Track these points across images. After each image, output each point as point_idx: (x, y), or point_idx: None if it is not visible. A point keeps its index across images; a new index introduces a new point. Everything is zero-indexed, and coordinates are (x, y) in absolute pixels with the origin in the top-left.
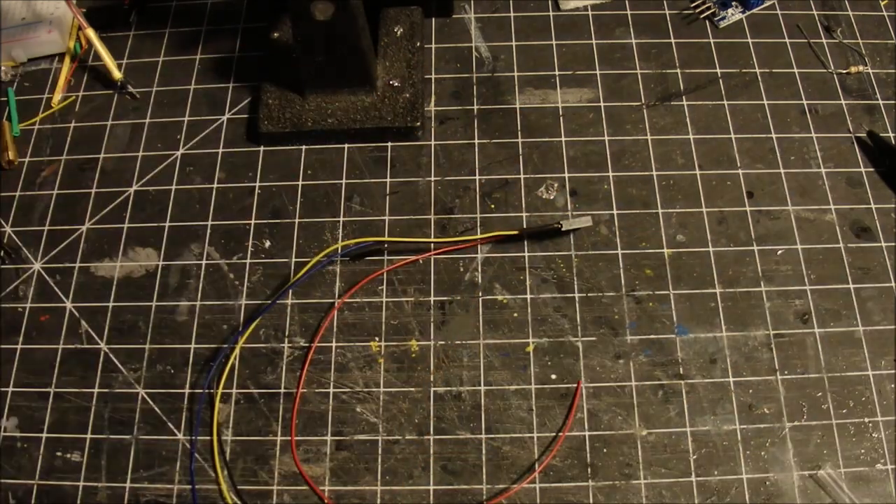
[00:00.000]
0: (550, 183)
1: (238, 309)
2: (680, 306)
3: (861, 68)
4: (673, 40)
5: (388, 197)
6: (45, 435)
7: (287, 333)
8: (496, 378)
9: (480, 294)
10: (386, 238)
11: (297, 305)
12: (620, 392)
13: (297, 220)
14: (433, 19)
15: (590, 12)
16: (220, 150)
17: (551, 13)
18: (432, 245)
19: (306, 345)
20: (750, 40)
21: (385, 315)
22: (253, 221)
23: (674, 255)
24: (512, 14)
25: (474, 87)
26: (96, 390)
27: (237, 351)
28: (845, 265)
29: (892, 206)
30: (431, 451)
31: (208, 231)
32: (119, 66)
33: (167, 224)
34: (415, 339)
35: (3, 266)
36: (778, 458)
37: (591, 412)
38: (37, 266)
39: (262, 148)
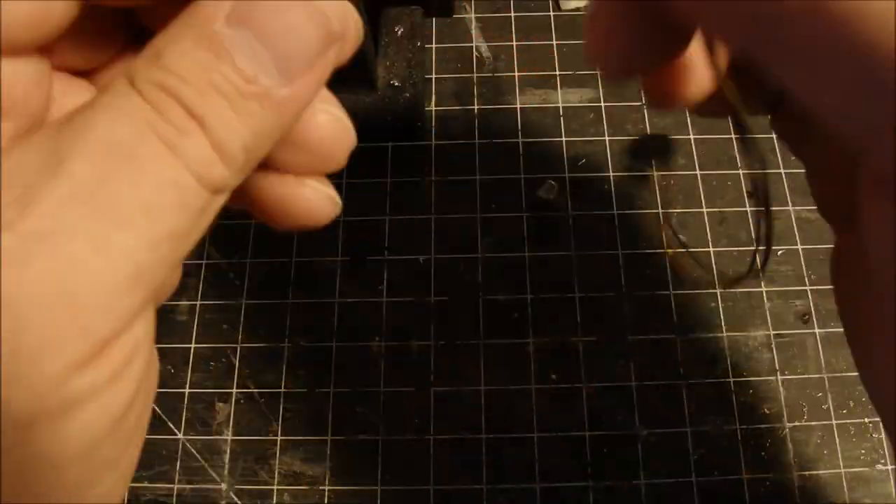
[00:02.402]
0: (551, 183)
1: (238, 308)
2: (680, 306)
3: None
4: None
5: (388, 197)
6: None
7: (287, 333)
8: (496, 378)
9: (480, 294)
10: None
11: (297, 305)
12: (620, 392)
13: None
14: (433, 19)
15: None
16: None
17: (552, 13)
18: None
19: (307, 344)
20: None
21: (385, 315)
22: (253, 221)
23: (674, 255)
24: (512, 14)
25: (475, 87)
26: None
27: (237, 350)
28: None
29: None
30: (431, 451)
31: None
32: None
33: None
34: (415, 339)
35: None
36: (778, 458)
37: (591, 412)
38: None
39: None
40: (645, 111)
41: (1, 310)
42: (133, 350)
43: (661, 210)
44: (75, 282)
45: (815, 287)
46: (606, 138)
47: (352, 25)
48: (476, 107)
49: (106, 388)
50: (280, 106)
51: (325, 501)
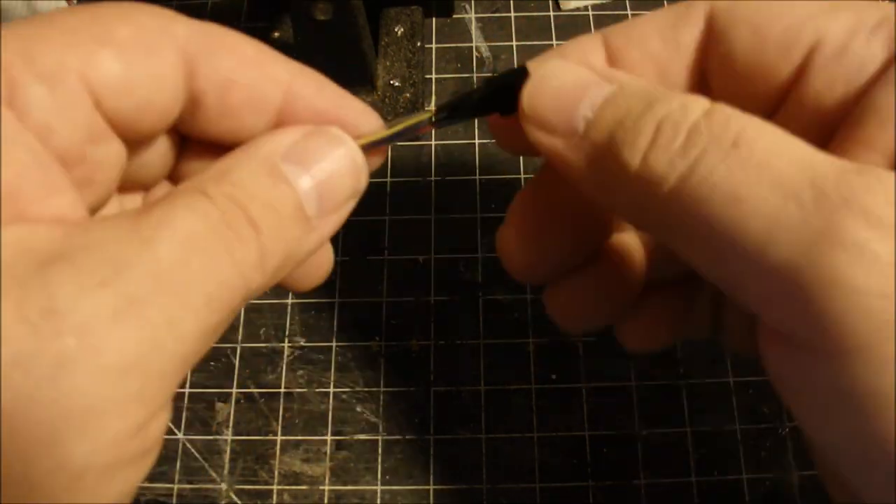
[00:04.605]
0: None
1: None
2: None
3: None
4: None
5: (388, 197)
6: None
7: (287, 333)
8: (496, 378)
9: (480, 294)
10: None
11: (297, 305)
12: (620, 392)
13: None
14: (433, 19)
15: (590, 12)
16: None
17: (552, 13)
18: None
19: (306, 344)
20: None
21: (385, 314)
22: None
23: None
24: (512, 14)
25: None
26: None
27: (237, 350)
28: None
29: None
30: (431, 451)
31: None
32: None
33: None
34: (415, 339)
35: None
36: (778, 459)
37: (591, 412)
38: None
39: None
40: None
41: (82, 369)
42: (167, 419)
43: None
44: (149, 352)
45: None
46: None
47: (364, 186)
48: None
49: (150, 453)
50: (312, 235)
51: (325, 501)
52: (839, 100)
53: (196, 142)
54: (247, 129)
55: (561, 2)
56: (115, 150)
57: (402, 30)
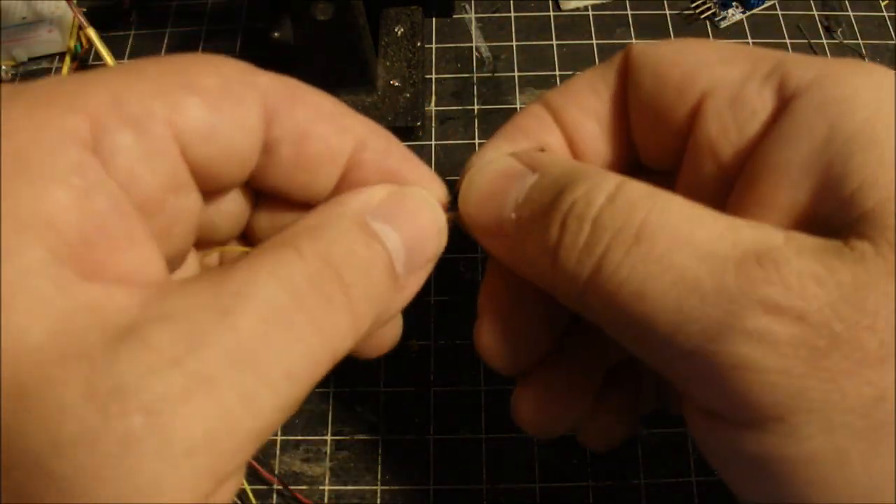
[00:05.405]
0: None
1: None
2: None
3: None
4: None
5: None
6: None
7: None
8: (496, 378)
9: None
10: None
11: None
12: None
13: None
14: (433, 19)
15: (590, 12)
16: None
17: (552, 13)
18: None
19: None
20: (751, 40)
21: None
22: None
23: None
24: (512, 14)
25: (475, 87)
26: None
27: None
28: None
29: None
30: (431, 451)
31: None
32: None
33: None
34: (415, 339)
35: None
36: None
37: None
38: None
39: None
40: None
41: (148, 449)
42: (239, 481)
43: None
44: (220, 430)
45: None
46: None
47: (444, 246)
48: (476, 107)
49: None
50: (400, 295)
51: (325, 501)
52: (735, 147)
53: (267, 198)
54: (318, 184)
55: (561, 2)
56: (193, 201)
57: (402, 30)
